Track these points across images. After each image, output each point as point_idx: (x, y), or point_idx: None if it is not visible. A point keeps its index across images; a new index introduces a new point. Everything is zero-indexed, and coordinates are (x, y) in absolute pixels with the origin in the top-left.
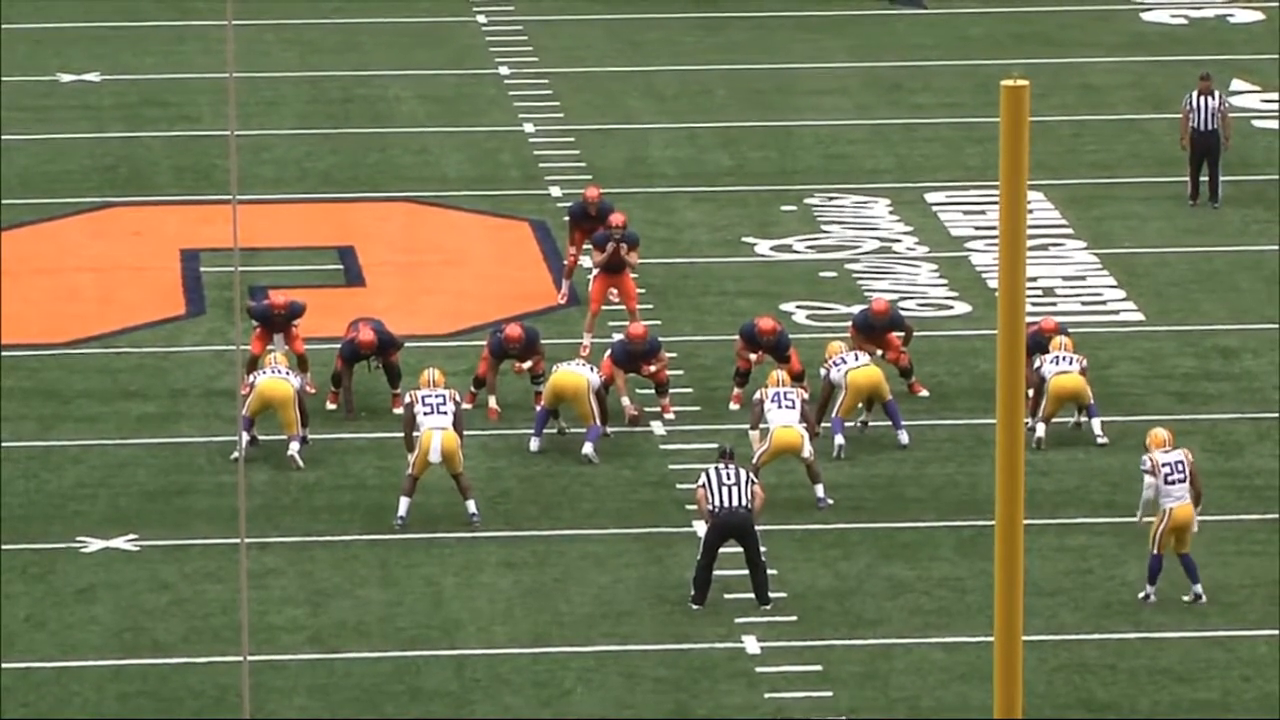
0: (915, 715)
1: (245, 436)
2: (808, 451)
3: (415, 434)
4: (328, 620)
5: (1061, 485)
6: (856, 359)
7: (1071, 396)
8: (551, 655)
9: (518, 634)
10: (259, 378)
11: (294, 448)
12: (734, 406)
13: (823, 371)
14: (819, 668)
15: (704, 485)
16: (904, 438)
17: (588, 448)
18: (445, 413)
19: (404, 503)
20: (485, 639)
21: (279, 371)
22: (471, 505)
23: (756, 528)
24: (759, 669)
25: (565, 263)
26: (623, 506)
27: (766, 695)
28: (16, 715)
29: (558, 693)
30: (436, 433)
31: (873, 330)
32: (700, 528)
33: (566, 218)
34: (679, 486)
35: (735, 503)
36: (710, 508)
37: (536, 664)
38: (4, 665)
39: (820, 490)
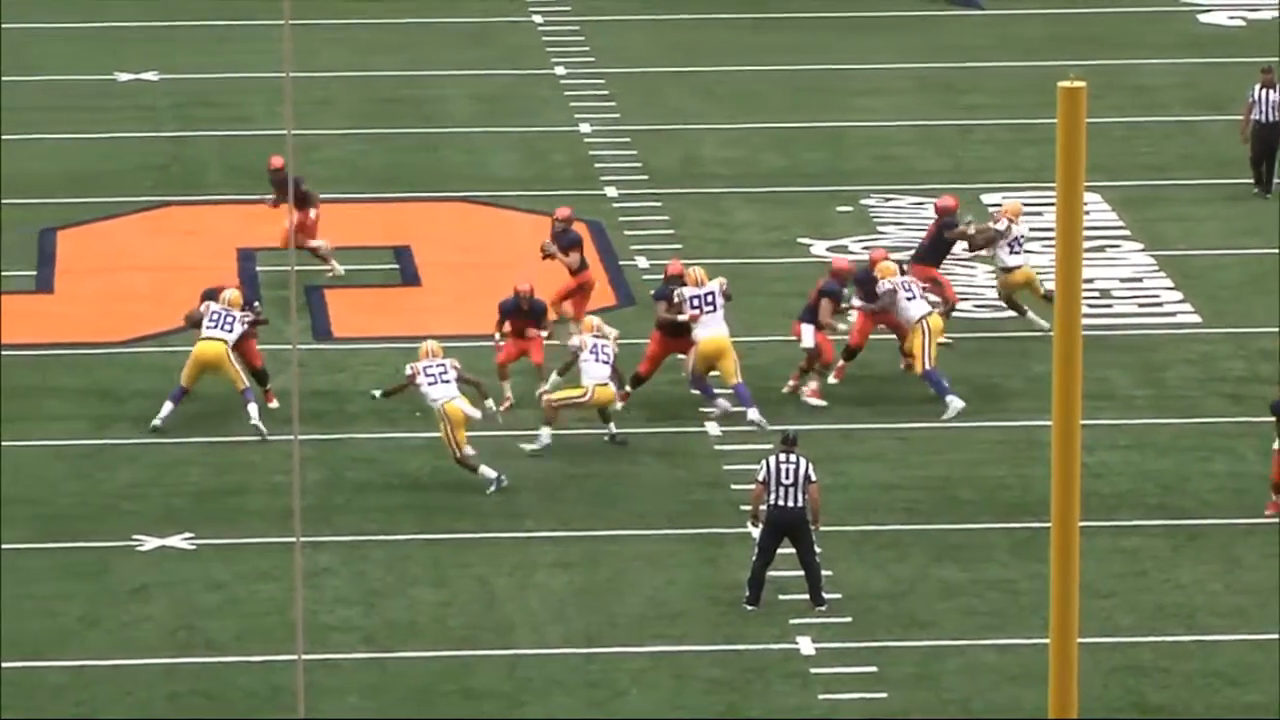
0: (968, 716)
1: (169, 406)
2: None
3: (432, 404)
4: (380, 620)
5: (1116, 488)
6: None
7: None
8: (604, 656)
9: (570, 634)
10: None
11: (253, 412)
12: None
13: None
14: (873, 669)
15: (762, 481)
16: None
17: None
18: (448, 381)
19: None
20: (538, 639)
21: (215, 325)
22: (487, 470)
23: (812, 528)
24: (813, 670)
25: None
26: (676, 507)
27: (820, 696)
28: (71, 715)
29: (611, 693)
30: (455, 402)
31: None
32: (753, 529)
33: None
34: (733, 487)
35: (790, 502)
36: (765, 506)
37: (589, 664)
38: (59, 664)
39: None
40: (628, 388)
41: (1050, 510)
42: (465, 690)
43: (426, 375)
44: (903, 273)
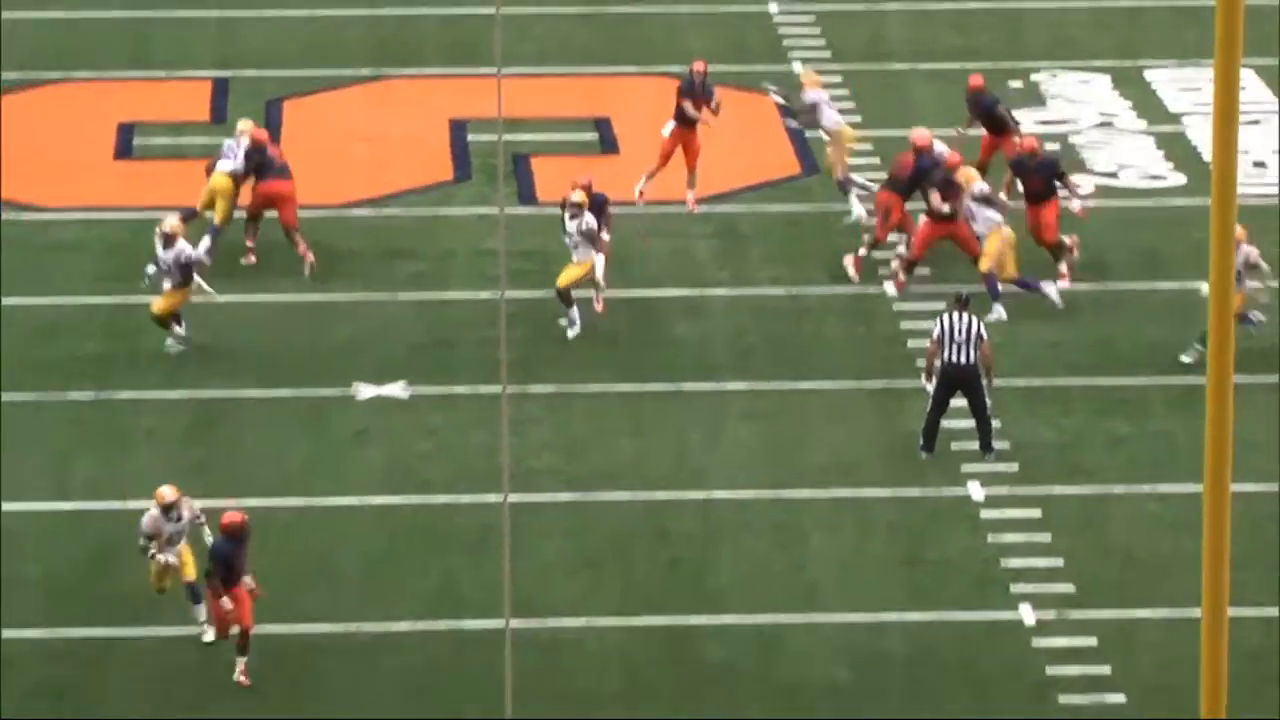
0: (1129, 561)
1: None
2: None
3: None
4: (582, 466)
5: (1267, 346)
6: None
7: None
8: (789, 501)
9: (758, 481)
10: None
11: (204, 245)
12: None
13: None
14: (1038, 513)
15: (936, 340)
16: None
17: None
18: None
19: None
20: (728, 485)
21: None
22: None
23: (982, 382)
24: (983, 514)
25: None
26: (857, 363)
27: (989, 538)
28: (296, 551)
29: (796, 536)
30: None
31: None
32: (927, 384)
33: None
34: (909, 344)
35: (963, 359)
36: (939, 362)
37: (775, 509)
38: (286, 503)
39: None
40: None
41: (1206, 368)
42: (660, 532)
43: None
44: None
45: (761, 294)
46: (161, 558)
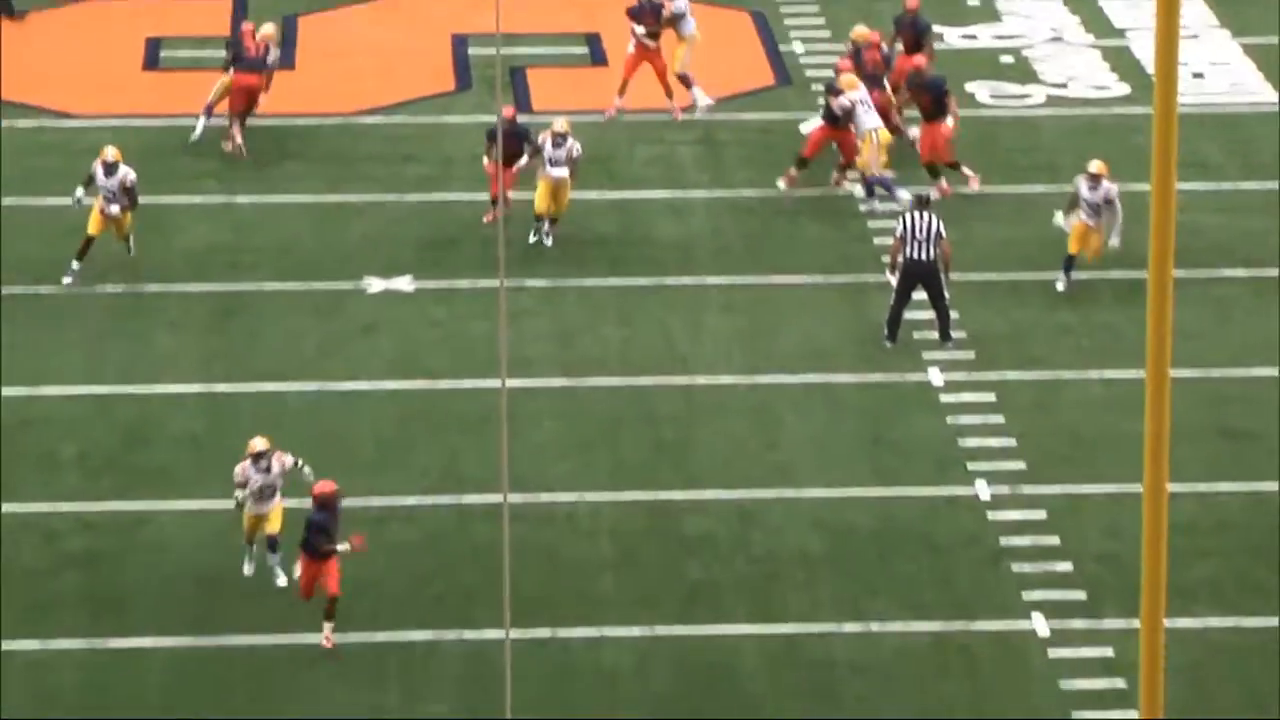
0: (1077, 440)
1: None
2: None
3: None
4: (574, 355)
5: (1207, 243)
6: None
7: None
8: (764, 386)
9: (736, 367)
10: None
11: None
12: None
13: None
14: (993, 397)
15: (899, 238)
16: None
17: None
18: (559, 162)
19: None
20: (708, 371)
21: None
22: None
23: (941, 276)
24: (942, 398)
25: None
26: (827, 259)
27: (947, 420)
28: (311, 433)
29: (770, 418)
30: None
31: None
32: (891, 278)
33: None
34: (874, 242)
35: (924, 256)
36: (902, 258)
37: (751, 393)
38: (301, 388)
39: None
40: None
41: (1148, 263)
42: (646, 414)
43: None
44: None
45: (738, 195)
46: (247, 500)
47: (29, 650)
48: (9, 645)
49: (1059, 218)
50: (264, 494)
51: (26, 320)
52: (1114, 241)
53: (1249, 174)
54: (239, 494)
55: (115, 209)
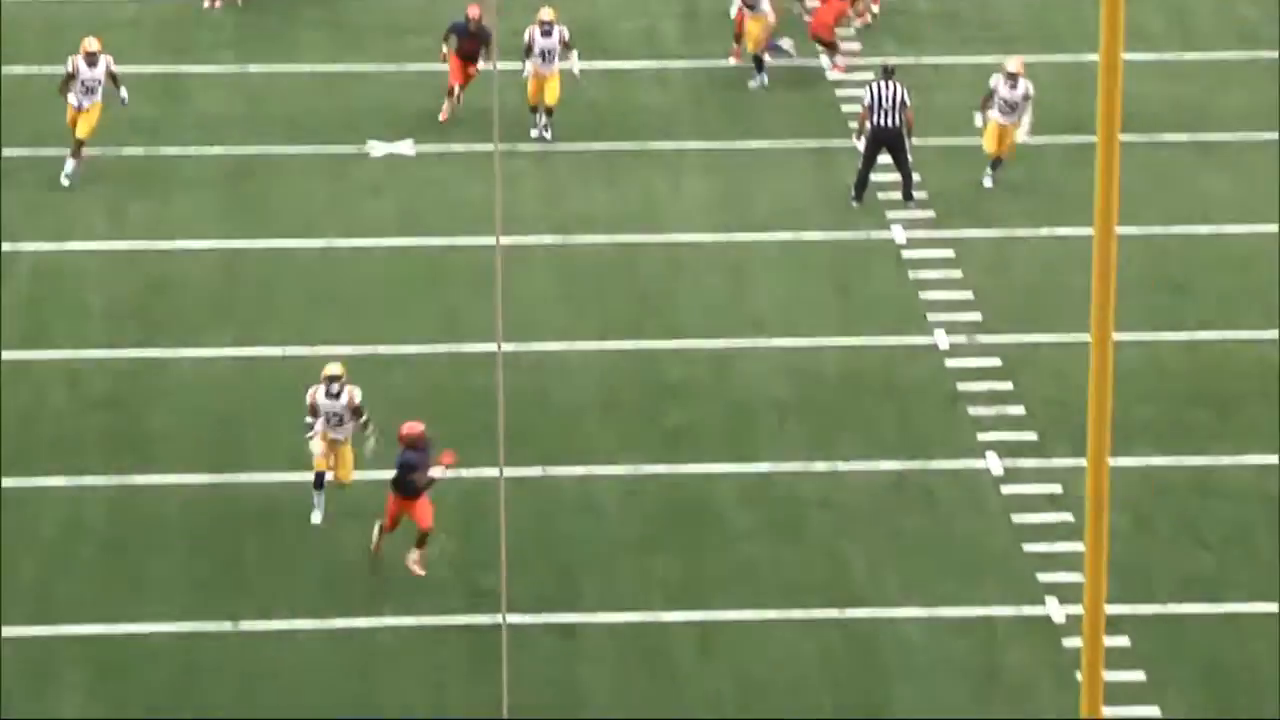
0: (1029, 293)
1: None
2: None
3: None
4: (564, 214)
5: (1149, 110)
6: None
7: None
8: (740, 243)
9: (713, 226)
10: None
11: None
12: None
13: None
14: (951, 253)
15: (866, 105)
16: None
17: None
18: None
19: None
20: (688, 229)
21: None
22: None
23: (905, 141)
24: (904, 254)
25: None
26: (798, 125)
27: (909, 274)
28: (318, 286)
29: (745, 273)
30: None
31: None
32: (858, 143)
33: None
34: (843, 109)
35: (889, 122)
36: (869, 125)
37: (728, 250)
38: (310, 244)
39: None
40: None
41: (1096, 128)
42: (631, 270)
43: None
44: None
45: (716, 66)
46: (321, 427)
47: (60, 486)
48: (41, 481)
49: (977, 118)
50: (338, 421)
51: (53, 181)
52: (1022, 136)
53: (1189, 45)
54: (309, 419)
55: (87, 102)
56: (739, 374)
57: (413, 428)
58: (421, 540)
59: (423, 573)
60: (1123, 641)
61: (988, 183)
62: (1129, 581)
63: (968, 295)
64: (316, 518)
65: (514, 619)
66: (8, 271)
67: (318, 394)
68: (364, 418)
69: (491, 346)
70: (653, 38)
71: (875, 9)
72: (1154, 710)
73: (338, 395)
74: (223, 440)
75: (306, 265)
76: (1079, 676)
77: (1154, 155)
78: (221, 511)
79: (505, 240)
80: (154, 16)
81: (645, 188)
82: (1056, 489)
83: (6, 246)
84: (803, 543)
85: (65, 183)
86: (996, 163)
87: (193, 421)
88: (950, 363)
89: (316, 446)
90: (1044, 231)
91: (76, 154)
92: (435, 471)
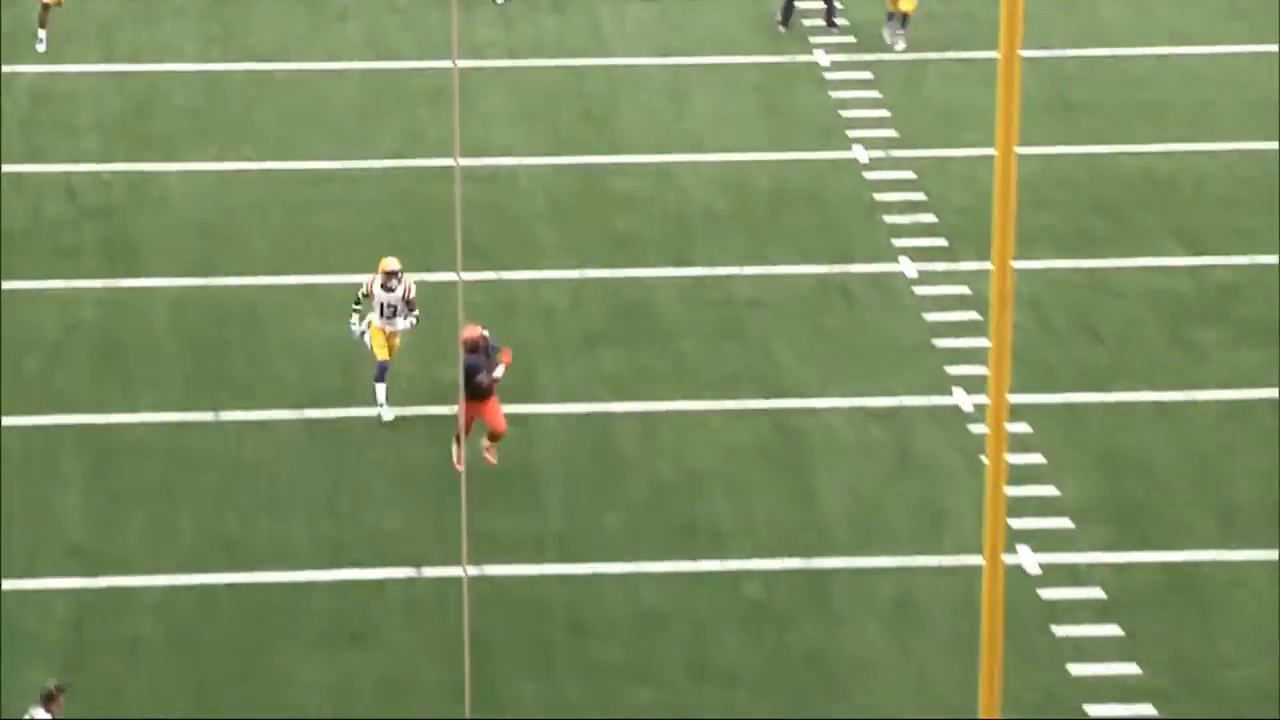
0: (942, 111)
1: None
2: None
3: None
4: (518, 40)
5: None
6: None
7: None
8: (677, 66)
9: (653, 50)
10: None
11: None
12: None
13: None
14: (870, 75)
15: None
16: None
17: None
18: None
19: None
20: (630, 54)
21: None
22: None
23: None
24: (826, 75)
25: None
26: None
27: (831, 95)
28: (294, 103)
29: (682, 94)
30: None
31: None
32: None
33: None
34: None
35: None
36: None
37: (666, 72)
38: (287, 66)
39: None
40: None
41: None
42: (578, 91)
43: None
44: None
45: None
46: (371, 317)
47: (57, 288)
48: (41, 284)
49: None
50: (394, 312)
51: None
52: None
53: None
54: (357, 308)
55: None
56: (678, 186)
57: (471, 332)
58: (494, 436)
59: (494, 461)
60: (1024, 428)
61: (890, 39)
62: (1030, 373)
63: (885, 113)
64: (388, 414)
65: None
66: (6, 92)
67: (375, 285)
68: (416, 311)
69: (450, 161)
70: None
71: None
72: (1051, 489)
73: (394, 289)
74: (204, 246)
75: (283, 86)
76: (984, 459)
77: None
78: (205, 312)
79: (462, 64)
80: None
81: (590, 15)
82: (965, 290)
83: (6, 69)
84: (735, 340)
85: (40, 48)
86: (892, 16)
87: (179, 230)
88: (869, 175)
89: (373, 339)
90: (954, 54)
91: (43, 24)
92: (498, 371)
